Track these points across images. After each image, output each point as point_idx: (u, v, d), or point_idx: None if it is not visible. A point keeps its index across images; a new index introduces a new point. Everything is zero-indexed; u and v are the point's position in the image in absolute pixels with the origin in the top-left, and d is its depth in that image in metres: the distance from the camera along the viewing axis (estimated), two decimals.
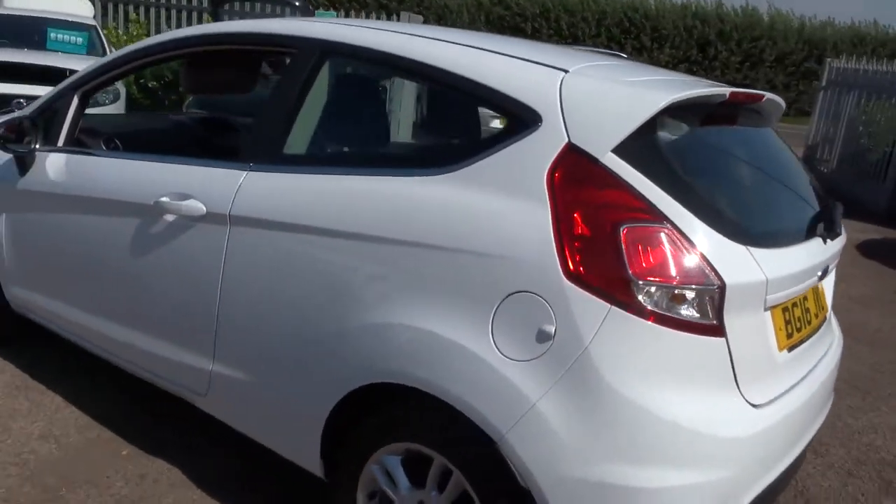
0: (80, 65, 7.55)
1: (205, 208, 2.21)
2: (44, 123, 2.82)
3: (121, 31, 12.12)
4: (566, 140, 1.71)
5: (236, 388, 2.23)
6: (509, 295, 1.66)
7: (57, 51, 8.18)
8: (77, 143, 2.90)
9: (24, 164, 2.82)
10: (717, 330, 1.64)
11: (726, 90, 1.90)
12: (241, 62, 2.89)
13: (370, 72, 2.41)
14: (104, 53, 8.59)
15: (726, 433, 1.66)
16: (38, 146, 2.79)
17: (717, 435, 1.64)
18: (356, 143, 2.23)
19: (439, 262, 1.76)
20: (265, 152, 2.19)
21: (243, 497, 2.45)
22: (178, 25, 12.51)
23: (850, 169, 10.36)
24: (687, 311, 1.61)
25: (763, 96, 2.08)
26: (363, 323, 1.87)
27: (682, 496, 1.62)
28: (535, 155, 1.73)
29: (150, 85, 11.40)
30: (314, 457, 2.08)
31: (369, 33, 2.12)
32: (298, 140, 2.18)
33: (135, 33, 11.86)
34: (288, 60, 2.28)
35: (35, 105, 2.99)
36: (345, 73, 2.40)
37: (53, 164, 2.75)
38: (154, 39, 2.64)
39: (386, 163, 2.00)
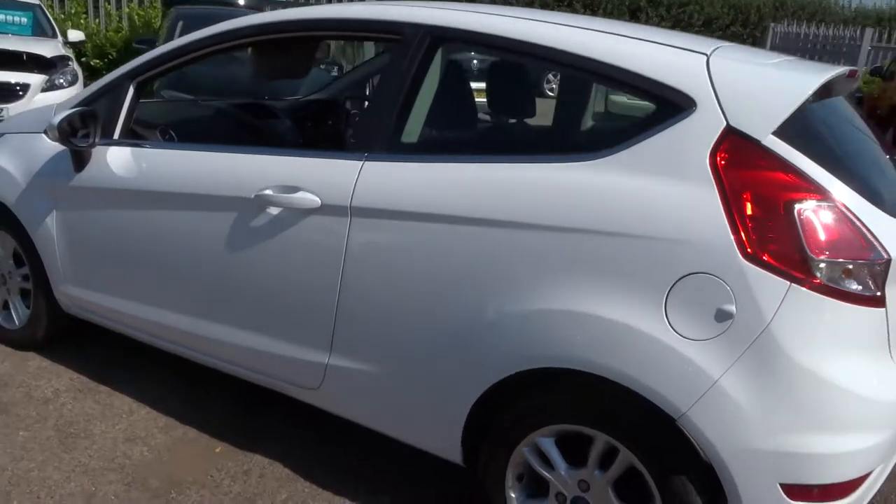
0: (35, 47, 7.20)
1: (319, 200, 2.17)
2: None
3: (56, 10, 11.50)
4: (724, 123, 1.76)
5: (357, 380, 2.22)
6: (683, 277, 1.71)
7: (3, 33, 7.72)
8: (132, 135, 2.78)
9: (81, 159, 2.69)
10: (880, 301, 1.73)
11: (846, 69, 1.99)
12: (307, 47, 2.82)
13: (494, 58, 2.38)
14: (53, 33, 8.16)
15: (888, 397, 1.76)
16: (97, 140, 2.67)
17: (882, 399, 1.75)
18: (489, 130, 2.21)
19: (600, 247, 1.79)
20: (381, 141, 2.16)
21: (357, 487, 2.45)
22: (118, 3, 11.91)
23: None
24: (855, 285, 1.70)
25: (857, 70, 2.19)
26: (518, 310, 1.89)
27: (857, 459, 1.72)
28: (694, 139, 1.77)
29: (92, 63, 10.95)
30: (453, 444, 2.10)
31: (492, 19, 2.10)
32: (418, 128, 2.16)
33: (73, 11, 11.29)
34: (392, 47, 2.24)
35: (83, 95, 2.85)
36: (465, 59, 2.38)
37: (119, 159, 2.64)
38: (231, 25, 2.54)
39: (527, 150, 2.00)
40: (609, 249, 1.79)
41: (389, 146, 2.15)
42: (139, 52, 8.37)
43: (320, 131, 3.31)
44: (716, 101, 1.78)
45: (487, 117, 2.34)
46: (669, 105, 1.83)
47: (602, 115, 2.33)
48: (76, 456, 2.50)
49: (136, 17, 10.56)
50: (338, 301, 2.19)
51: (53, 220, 2.84)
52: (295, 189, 2.22)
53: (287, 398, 2.51)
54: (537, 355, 1.87)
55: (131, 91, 2.74)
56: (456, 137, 2.21)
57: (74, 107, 2.82)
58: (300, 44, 2.65)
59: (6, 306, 3.24)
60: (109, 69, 10.17)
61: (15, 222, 2.99)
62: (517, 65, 2.43)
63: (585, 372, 1.82)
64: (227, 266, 2.39)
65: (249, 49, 2.81)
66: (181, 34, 7.61)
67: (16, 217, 2.96)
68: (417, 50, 2.17)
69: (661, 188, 1.77)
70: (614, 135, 1.91)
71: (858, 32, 10.71)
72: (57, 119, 2.53)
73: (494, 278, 1.92)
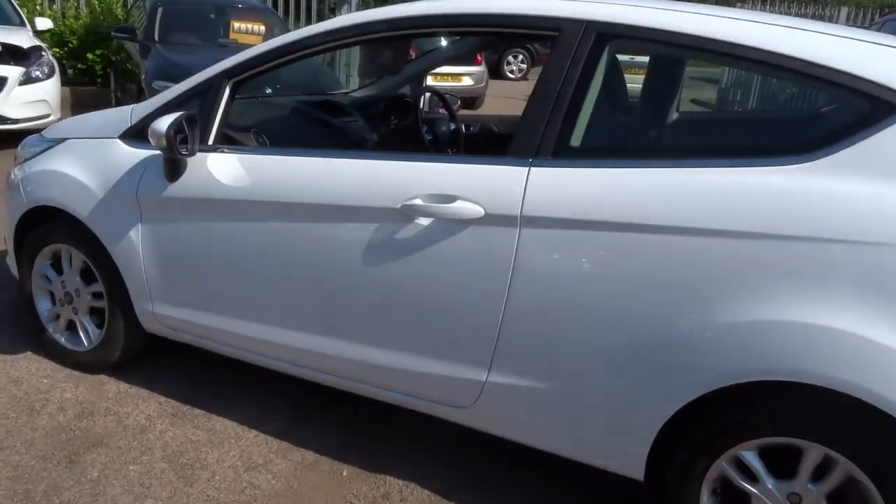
0: (9, 38, 6.72)
1: (482, 210, 2.04)
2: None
3: None
4: None
5: (520, 397, 2.12)
6: None
7: None
8: (225, 140, 2.58)
9: (176, 167, 2.48)
10: None
11: None
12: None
13: (673, 58, 2.26)
14: (21, 21, 7.66)
15: None
16: (197, 146, 2.47)
17: None
18: (666, 131, 2.10)
19: (823, 255, 1.72)
20: (547, 145, 2.04)
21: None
22: None
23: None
24: None
25: None
26: (728, 322, 1.81)
27: None
28: None
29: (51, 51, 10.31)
30: (637, 460, 2.02)
31: (673, 16, 1.99)
32: (587, 131, 2.05)
33: None
34: (552, 45, 2.11)
35: (169, 97, 2.63)
36: (638, 58, 2.26)
37: (225, 166, 2.44)
38: (356, 19, 2.35)
39: (717, 153, 1.91)
40: (832, 257, 1.72)
41: (557, 151, 2.03)
42: (118, 41, 7.98)
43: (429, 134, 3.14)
44: None
45: (656, 117, 2.23)
46: (882, 105, 1.77)
47: (811, 114, 2.25)
48: (202, 489, 2.32)
49: (96, 2, 10.00)
50: (503, 315, 2.08)
51: (138, 233, 2.63)
52: (451, 198, 2.08)
53: (405, 413, 2.40)
54: (758, 368, 1.79)
55: (227, 91, 2.54)
56: (630, 140, 2.09)
57: (159, 109, 2.61)
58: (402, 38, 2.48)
59: (71, 327, 3.00)
60: (70, 58, 9.65)
61: (86, 236, 2.75)
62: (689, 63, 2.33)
63: (804, 383, 1.75)
64: (363, 281, 2.24)
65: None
66: (162, 22, 7.25)
67: (88, 230, 2.73)
68: (581, 48, 2.05)
69: (885, 191, 1.70)
70: (822, 137, 1.84)
71: (836, 12, 10.99)
72: (164, 125, 2.32)
73: (699, 289, 1.83)
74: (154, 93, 6.26)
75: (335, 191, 2.24)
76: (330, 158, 2.31)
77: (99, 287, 2.84)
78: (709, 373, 1.84)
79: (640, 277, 1.90)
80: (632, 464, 2.04)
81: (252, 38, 7.90)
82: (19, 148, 3.19)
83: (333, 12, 9.43)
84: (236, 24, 7.76)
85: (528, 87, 12.54)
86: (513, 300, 2.05)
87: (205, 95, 2.56)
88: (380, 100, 3.69)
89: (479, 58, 12.02)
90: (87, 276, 2.89)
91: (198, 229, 2.51)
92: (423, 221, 2.13)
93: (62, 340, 3.01)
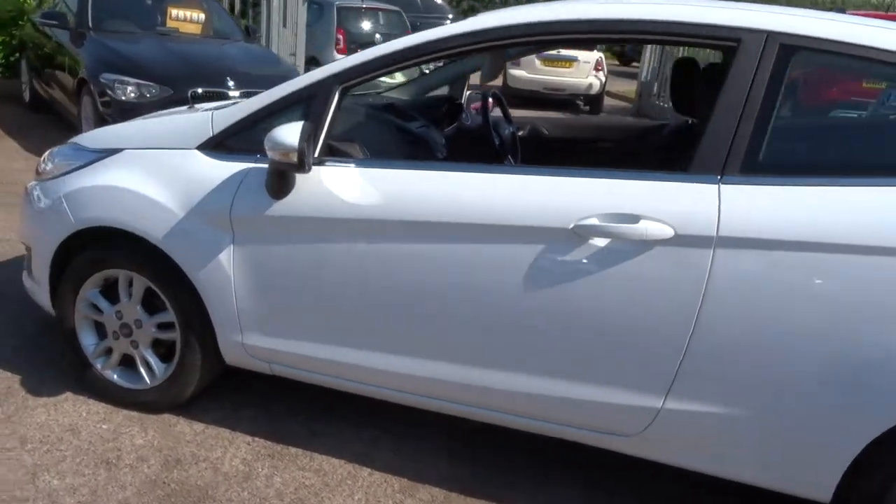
0: None
1: (672, 230, 1.93)
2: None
3: None
4: None
5: (702, 424, 2.03)
6: None
7: None
8: (329, 151, 2.33)
9: (285, 183, 2.22)
10: None
11: None
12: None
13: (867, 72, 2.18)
14: None
15: None
16: (313, 158, 2.21)
17: None
18: (871, 147, 2.01)
19: None
20: (735, 162, 1.95)
21: None
22: None
23: None
24: None
25: None
26: None
27: None
28: None
29: None
30: (827, 483, 1.98)
31: (858, 29, 1.94)
32: (780, 147, 1.97)
33: None
34: (731, 56, 2.01)
35: (265, 102, 2.33)
36: (828, 71, 2.18)
37: (345, 181, 2.20)
38: (485, 23, 2.16)
39: None
40: None
41: (746, 167, 1.94)
42: (31, 28, 7.20)
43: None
44: None
45: (851, 131, 2.17)
46: None
47: None
48: None
49: None
50: (689, 340, 1.98)
51: (230, 256, 2.33)
52: (635, 218, 1.96)
53: (521, 437, 2.29)
54: None
55: (336, 99, 2.28)
56: (825, 155, 2.02)
57: (250, 117, 2.33)
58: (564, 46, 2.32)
59: (127, 361, 2.65)
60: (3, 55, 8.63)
61: (153, 260, 2.43)
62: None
63: None
64: (522, 305, 2.08)
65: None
66: (95, 7, 6.61)
67: (157, 254, 2.40)
68: (765, 60, 1.97)
69: None
70: None
71: None
72: (293, 137, 2.05)
73: None
74: (102, 87, 5.74)
75: (493, 210, 2.06)
76: (480, 174, 2.12)
77: (166, 317, 2.51)
78: None
79: (846, 299, 1.85)
80: (821, 488, 2.00)
81: (191, 25, 7.37)
82: (43, 161, 2.78)
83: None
84: (174, 12, 7.21)
85: None
86: (702, 323, 1.96)
87: (309, 103, 2.29)
88: (433, 102, 3.48)
89: None
90: (147, 305, 2.56)
91: (313, 251, 2.25)
92: (599, 242, 1.99)
93: (114, 377, 2.65)
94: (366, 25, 11.41)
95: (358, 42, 11.20)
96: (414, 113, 3.16)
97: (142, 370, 2.61)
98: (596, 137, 3.58)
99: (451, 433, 2.63)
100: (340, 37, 10.99)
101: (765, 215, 1.89)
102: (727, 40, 2.02)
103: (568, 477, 2.46)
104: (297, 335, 2.36)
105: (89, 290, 2.60)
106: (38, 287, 2.72)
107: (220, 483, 2.29)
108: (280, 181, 2.22)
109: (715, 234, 1.91)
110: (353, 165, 2.24)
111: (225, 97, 5.91)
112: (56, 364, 2.88)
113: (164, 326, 2.55)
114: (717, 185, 1.94)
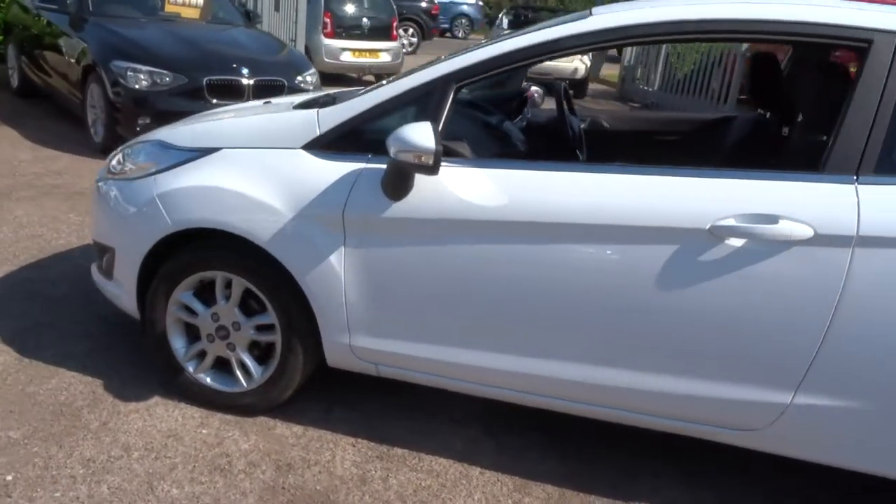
0: None
1: (812, 230, 1.96)
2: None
3: None
4: None
5: (832, 418, 2.08)
6: None
7: None
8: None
9: (405, 184, 2.18)
10: None
11: None
12: None
13: None
14: None
15: None
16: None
17: None
18: None
19: None
20: (870, 162, 1.98)
21: None
22: None
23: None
24: None
25: None
26: None
27: None
28: None
29: None
30: None
31: None
32: None
33: None
34: (864, 58, 2.04)
35: (377, 100, 2.28)
36: None
37: (470, 183, 2.18)
38: (610, 22, 2.15)
39: None
40: None
41: (881, 167, 1.98)
42: (16, 10, 6.94)
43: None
44: None
45: None
46: None
47: None
48: None
49: None
50: (824, 336, 2.02)
51: (341, 257, 2.30)
52: (773, 218, 1.98)
53: (615, 434, 2.32)
54: None
55: (451, 97, 2.25)
56: None
57: (363, 115, 2.29)
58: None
59: (221, 364, 2.59)
60: None
61: (257, 262, 2.38)
62: None
63: None
64: (655, 305, 2.09)
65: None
66: None
67: (259, 255, 2.36)
68: None
69: None
70: None
71: None
72: (426, 139, 2.02)
73: None
74: (114, 75, 5.55)
75: (625, 211, 2.07)
76: (610, 174, 2.12)
77: (265, 319, 2.47)
78: None
79: None
80: None
81: (190, 10, 7.19)
82: (118, 160, 2.69)
83: None
84: None
85: (420, 60, 12.37)
86: (838, 320, 2.00)
87: (424, 101, 2.26)
88: (502, 96, 3.45)
89: (395, 34, 11.70)
90: (243, 306, 2.51)
91: (432, 252, 2.22)
92: (736, 242, 2.01)
93: (208, 381, 2.60)
94: (352, 9, 11.26)
95: (344, 26, 11.07)
96: (490, 107, 3.14)
97: (238, 373, 2.56)
98: (659, 130, 3.60)
99: (549, 431, 2.64)
100: (328, 20, 10.83)
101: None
102: (858, 41, 2.05)
103: (674, 475, 2.49)
104: (409, 336, 2.34)
105: (183, 292, 2.53)
106: (121, 290, 2.64)
107: (339, 487, 2.27)
108: (401, 182, 2.18)
109: (855, 233, 1.94)
110: (473, 166, 2.22)
111: (239, 85, 5.79)
112: (134, 366, 2.81)
113: (262, 328, 2.51)
114: (853, 185, 1.97)
